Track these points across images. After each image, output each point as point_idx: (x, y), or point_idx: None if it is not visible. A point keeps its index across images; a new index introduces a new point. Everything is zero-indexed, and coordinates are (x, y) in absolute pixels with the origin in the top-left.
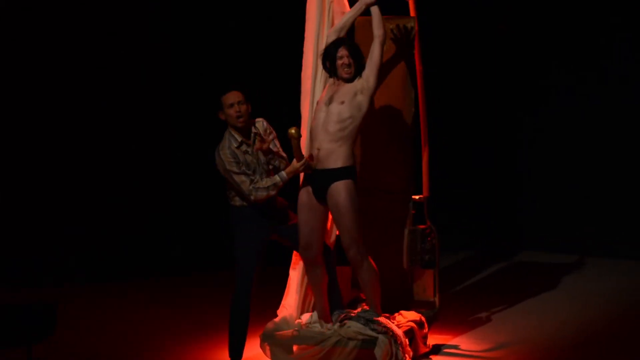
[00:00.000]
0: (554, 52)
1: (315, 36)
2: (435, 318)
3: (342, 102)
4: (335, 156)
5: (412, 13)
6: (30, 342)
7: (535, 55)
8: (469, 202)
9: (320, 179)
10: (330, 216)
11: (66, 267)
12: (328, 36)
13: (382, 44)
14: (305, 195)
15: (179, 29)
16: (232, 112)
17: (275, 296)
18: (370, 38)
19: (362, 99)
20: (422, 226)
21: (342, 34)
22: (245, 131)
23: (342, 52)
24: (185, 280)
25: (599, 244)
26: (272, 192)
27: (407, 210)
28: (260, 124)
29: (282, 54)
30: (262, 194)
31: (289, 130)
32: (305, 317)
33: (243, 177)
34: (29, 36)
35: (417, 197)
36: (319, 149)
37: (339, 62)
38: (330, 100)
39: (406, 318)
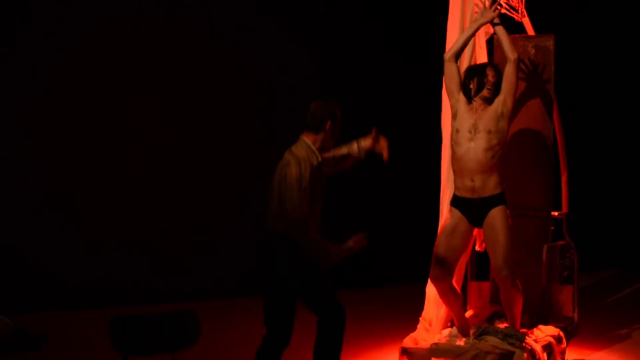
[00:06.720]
0: None
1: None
2: (574, 333)
3: (489, 131)
4: (490, 185)
5: (530, 32)
6: (175, 349)
7: None
8: (611, 220)
9: (477, 206)
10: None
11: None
12: (445, 59)
13: (517, 67)
14: (453, 220)
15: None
16: (336, 131)
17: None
18: None
19: (504, 124)
20: (561, 242)
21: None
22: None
23: (489, 71)
24: None
25: None
26: (315, 249)
27: (547, 226)
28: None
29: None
30: (308, 240)
31: None
32: (446, 331)
33: (305, 205)
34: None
35: (556, 213)
36: (473, 180)
37: (485, 79)
38: (475, 129)
39: (544, 333)
